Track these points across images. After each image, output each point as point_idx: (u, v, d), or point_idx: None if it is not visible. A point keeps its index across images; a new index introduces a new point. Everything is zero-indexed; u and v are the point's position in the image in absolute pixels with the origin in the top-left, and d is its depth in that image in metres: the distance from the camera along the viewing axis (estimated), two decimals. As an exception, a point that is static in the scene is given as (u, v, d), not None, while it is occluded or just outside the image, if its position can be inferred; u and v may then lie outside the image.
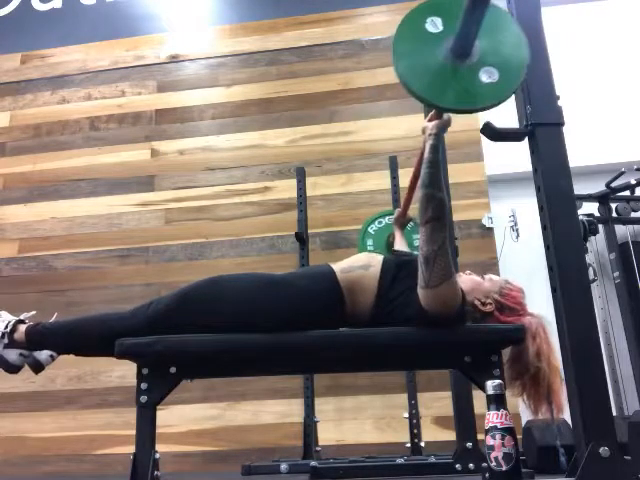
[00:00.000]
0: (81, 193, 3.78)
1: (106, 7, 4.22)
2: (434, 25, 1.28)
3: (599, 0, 3.92)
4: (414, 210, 1.66)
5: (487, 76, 1.23)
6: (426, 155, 1.39)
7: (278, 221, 3.51)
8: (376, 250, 2.63)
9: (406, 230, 2.32)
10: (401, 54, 1.26)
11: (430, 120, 1.48)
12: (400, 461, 2.23)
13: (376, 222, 2.71)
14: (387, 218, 2.68)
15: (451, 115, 1.43)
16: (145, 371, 1.36)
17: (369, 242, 2.67)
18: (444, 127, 1.44)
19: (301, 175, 3.28)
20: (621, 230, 3.37)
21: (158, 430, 1.34)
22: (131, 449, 1.30)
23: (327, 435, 3.02)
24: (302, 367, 1.75)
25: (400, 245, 2.11)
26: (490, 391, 1.22)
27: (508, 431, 1.18)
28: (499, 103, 1.24)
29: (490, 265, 3.16)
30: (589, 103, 3.57)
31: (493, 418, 1.19)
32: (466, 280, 1.55)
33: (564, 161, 1.44)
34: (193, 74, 3.95)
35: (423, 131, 1.48)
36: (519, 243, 3.27)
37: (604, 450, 1.22)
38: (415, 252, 1.91)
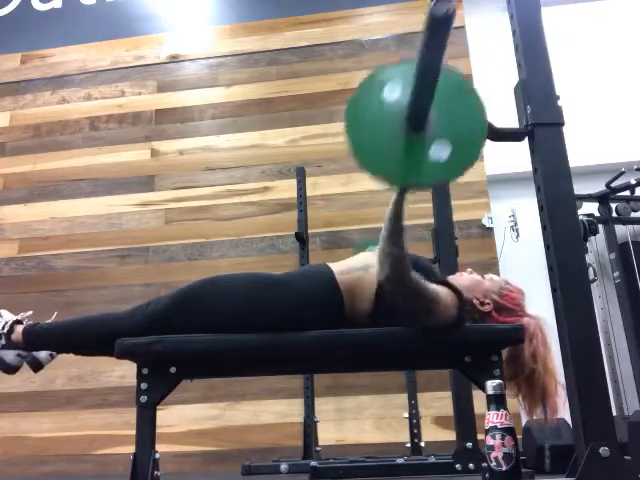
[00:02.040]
0: (81, 193, 3.78)
1: (106, 7, 4.22)
2: (392, 92, 1.18)
3: (599, 0, 3.92)
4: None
5: (438, 152, 1.14)
6: (387, 213, 1.28)
7: (278, 221, 3.51)
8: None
9: None
10: (354, 121, 1.17)
11: None
12: (400, 461, 2.23)
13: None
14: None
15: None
16: (145, 371, 1.36)
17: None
18: (403, 194, 1.29)
19: (301, 175, 3.28)
20: (621, 230, 3.37)
21: (158, 430, 1.34)
22: (131, 449, 1.30)
23: (327, 435, 3.02)
24: (302, 367, 1.74)
25: None
26: (490, 391, 1.21)
27: (508, 431, 1.18)
28: (449, 180, 1.19)
29: (490, 265, 3.16)
30: (589, 103, 3.57)
31: (493, 418, 1.19)
32: (466, 278, 1.55)
33: (564, 161, 1.44)
34: (193, 74, 3.95)
35: None
36: (519, 243, 3.27)
37: (604, 450, 1.22)
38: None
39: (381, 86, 1.19)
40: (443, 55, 1.04)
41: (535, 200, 1.46)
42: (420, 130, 1.15)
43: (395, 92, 1.18)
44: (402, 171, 1.17)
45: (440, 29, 0.98)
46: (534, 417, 1.49)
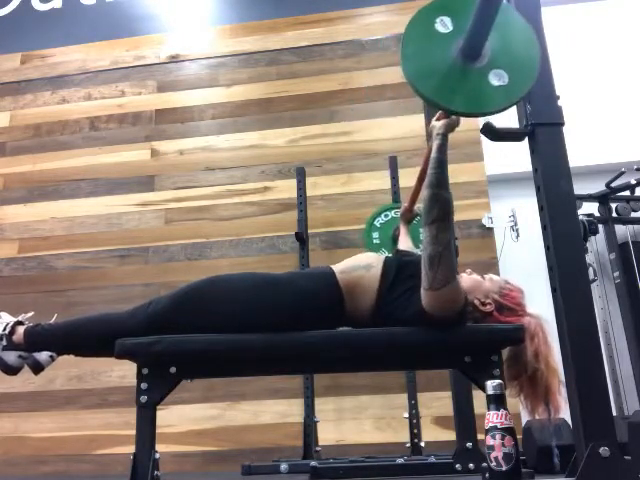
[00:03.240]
0: (81, 193, 3.78)
1: (106, 7, 4.22)
2: (444, 25, 1.25)
3: (599, 0, 3.92)
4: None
5: (497, 79, 1.20)
6: (433, 154, 1.38)
7: (278, 221, 3.51)
8: (382, 243, 2.63)
9: (412, 225, 2.30)
10: (409, 55, 1.23)
11: (438, 119, 1.48)
12: (400, 461, 2.23)
13: (382, 215, 2.71)
14: (393, 212, 2.68)
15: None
16: (145, 371, 1.36)
17: (375, 235, 2.67)
18: (452, 127, 1.42)
19: (301, 175, 3.28)
20: (621, 230, 3.37)
21: (158, 430, 1.34)
22: (131, 449, 1.30)
23: (327, 435, 3.02)
24: (302, 367, 1.75)
25: (404, 241, 2.09)
26: (490, 391, 1.22)
27: (508, 431, 1.18)
28: (509, 107, 1.22)
29: (490, 265, 3.16)
30: (589, 103, 3.57)
31: (493, 418, 1.19)
32: (466, 279, 1.55)
33: (564, 161, 1.44)
34: (193, 74, 3.95)
35: (430, 130, 1.47)
36: (519, 243, 3.27)
37: (604, 450, 1.22)
38: (418, 250, 1.91)
39: (429, 21, 1.26)
40: None
41: (535, 200, 1.47)
42: (475, 60, 1.20)
43: (445, 26, 1.25)
44: (463, 99, 1.21)
45: None
46: (537, 416, 1.48)
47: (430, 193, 1.35)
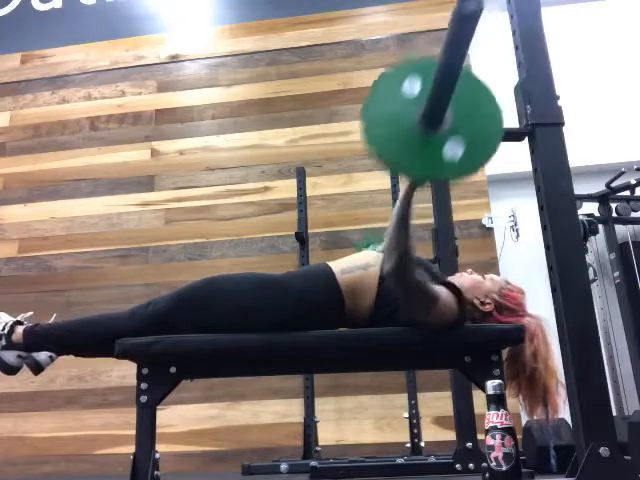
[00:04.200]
0: (81, 193, 3.78)
1: (106, 7, 4.22)
2: (411, 88, 1.19)
3: (599, 0, 3.92)
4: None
5: (453, 150, 1.15)
6: (395, 208, 1.30)
7: (278, 221, 3.51)
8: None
9: None
10: (371, 115, 1.18)
11: None
12: (400, 461, 2.23)
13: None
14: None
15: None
16: (145, 371, 1.36)
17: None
18: (412, 188, 1.29)
19: (301, 175, 3.28)
20: (621, 230, 3.36)
21: (158, 430, 1.34)
22: (131, 449, 1.30)
23: (327, 435, 3.02)
24: (302, 367, 1.74)
25: None
26: (490, 391, 1.22)
27: (508, 431, 1.18)
28: (464, 177, 1.18)
29: (490, 265, 3.16)
30: (589, 103, 3.57)
31: (493, 418, 1.19)
32: (467, 279, 1.55)
33: (564, 161, 1.44)
34: (193, 74, 3.95)
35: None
36: (519, 243, 3.27)
37: (604, 450, 1.22)
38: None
39: (400, 81, 1.20)
40: (466, 53, 1.04)
41: (535, 200, 1.46)
42: (436, 127, 1.16)
43: (414, 87, 1.19)
44: (416, 165, 1.18)
45: (466, 26, 0.98)
46: (535, 416, 1.49)
47: (387, 243, 1.31)
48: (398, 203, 1.28)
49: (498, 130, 1.21)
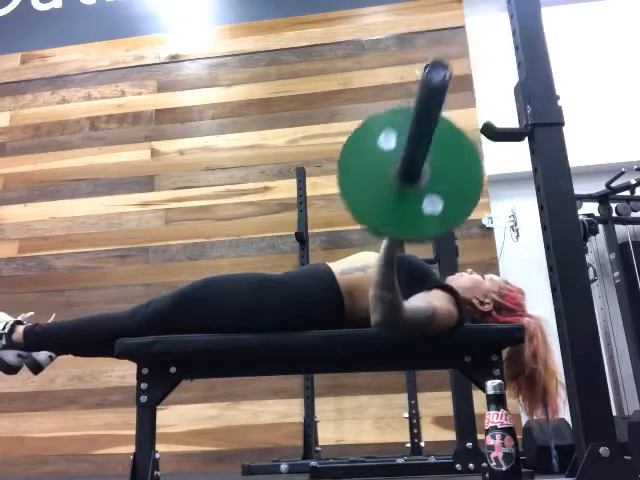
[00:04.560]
0: (81, 193, 3.78)
1: (106, 7, 4.22)
2: (387, 141, 1.15)
3: (599, 0, 3.92)
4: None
5: (431, 206, 1.10)
6: (377, 261, 1.27)
7: (278, 221, 3.51)
8: None
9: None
10: (346, 168, 1.16)
11: None
12: (400, 461, 2.23)
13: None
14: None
15: None
16: (145, 371, 1.36)
17: None
18: (394, 245, 1.27)
19: (301, 175, 3.27)
20: (621, 230, 3.36)
21: (158, 430, 1.34)
22: (131, 449, 1.30)
23: (327, 435, 3.02)
24: (302, 367, 1.74)
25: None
26: (490, 391, 1.22)
27: (508, 431, 1.18)
28: (441, 233, 1.17)
29: (490, 265, 3.16)
30: (589, 103, 3.57)
31: (493, 418, 1.19)
32: (467, 279, 1.55)
33: (564, 161, 1.44)
34: (193, 74, 3.95)
35: None
36: (519, 243, 3.27)
37: (604, 450, 1.22)
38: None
39: (374, 135, 1.16)
40: (437, 121, 1.01)
41: (535, 200, 1.46)
42: (413, 182, 1.11)
43: (389, 141, 1.15)
44: (393, 223, 1.12)
45: (435, 97, 0.95)
46: (534, 417, 1.49)
47: (372, 294, 1.28)
48: (380, 260, 1.24)
49: (479, 182, 1.16)
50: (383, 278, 1.24)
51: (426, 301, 1.34)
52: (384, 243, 1.24)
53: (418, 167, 1.10)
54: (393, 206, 1.12)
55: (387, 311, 1.26)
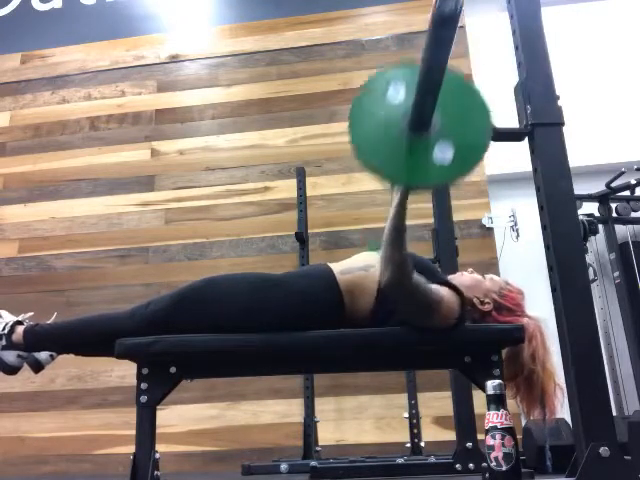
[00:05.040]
0: (81, 193, 3.78)
1: (106, 7, 4.22)
2: (396, 93, 1.19)
3: (599, 0, 3.92)
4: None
5: (442, 153, 1.14)
6: (389, 220, 1.28)
7: (278, 221, 3.51)
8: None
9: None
10: (357, 123, 1.18)
11: None
12: (400, 461, 2.23)
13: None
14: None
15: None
16: (145, 371, 1.36)
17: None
18: (406, 196, 1.28)
19: (301, 175, 3.27)
20: (621, 230, 3.36)
21: (158, 430, 1.34)
22: (131, 449, 1.30)
23: (327, 435, 3.02)
24: (302, 367, 1.74)
25: None
26: (490, 391, 1.21)
27: (508, 431, 1.18)
28: (454, 181, 1.18)
29: (490, 265, 3.16)
30: (589, 103, 3.57)
31: (493, 418, 1.19)
32: (467, 278, 1.55)
33: (564, 161, 1.44)
34: (193, 74, 3.95)
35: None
36: (519, 243, 3.27)
37: (604, 450, 1.22)
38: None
39: (384, 87, 1.20)
40: (449, 54, 1.03)
41: (535, 200, 1.46)
42: (423, 131, 1.15)
43: (399, 93, 1.18)
44: (405, 172, 1.17)
45: (446, 27, 0.97)
46: (532, 418, 1.49)
47: (382, 254, 1.30)
48: (391, 214, 1.26)
49: (487, 128, 1.20)
50: (394, 237, 1.27)
51: (435, 289, 1.36)
52: (395, 200, 1.26)
53: (428, 115, 1.14)
54: (405, 155, 1.16)
55: (397, 271, 1.28)
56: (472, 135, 1.18)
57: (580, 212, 3.11)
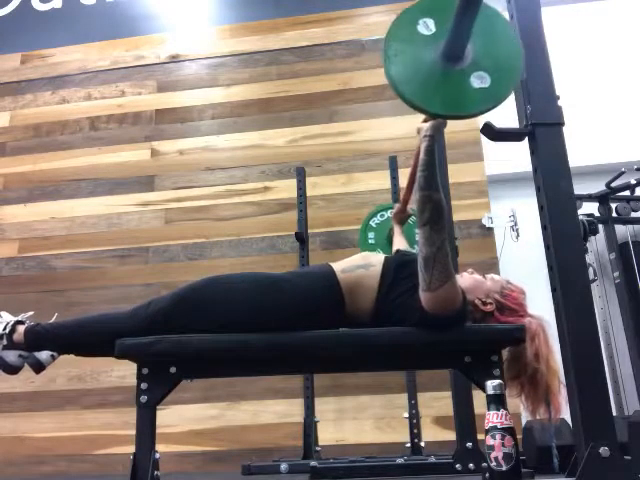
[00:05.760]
0: (81, 193, 3.78)
1: (106, 7, 4.22)
2: (426, 27, 1.24)
3: (599, 0, 3.92)
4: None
5: (479, 81, 1.19)
6: (421, 157, 1.37)
7: (278, 221, 3.51)
8: (377, 244, 2.63)
9: (407, 225, 2.30)
10: (391, 56, 1.22)
11: (425, 121, 1.47)
12: (400, 461, 2.23)
13: (378, 215, 2.71)
14: (389, 212, 2.67)
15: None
16: (145, 371, 1.36)
17: (370, 235, 2.67)
18: (438, 129, 1.41)
19: (301, 175, 3.27)
20: (621, 230, 3.36)
21: (158, 430, 1.34)
22: (131, 449, 1.30)
23: (327, 435, 3.02)
24: (302, 367, 1.74)
25: (399, 241, 2.10)
26: (490, 391, 1.21)
27: (508, 431, 1.18)
28: (490, 109, 1.21)
29: (490, 265, 3.16)
30: (589, 103, 3.57)
31: (493, 418, 1.19)
32: (468, 279, 1.55)
33: (564, 161, 1.44)
34: (193, 74, 3.95)
35: (418, 132, 1.47)
36: (519, 243, 3.27)
37: (604, 450, 1.22)
38: (414, 250, 1.91)
39: (416, 20, 1.25)
40: None
41: (535, 200, 1.46)
42: (457, 62, 1.20)
43: (427, 28, 1.24)
44: (440, 101, 1.21)
45: None
46: (537, 417, 1.48)
47: (420, 195, 1.34)
48: (422, 150, 1.35)
49: (519, 54, 1.25)
50: (431, 171, 1.33)
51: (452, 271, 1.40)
52: (424, 144, 1.36)
53: (463, 45, 1.19)
54: (441, 85, 1.21)
55: (436, 210, 1.33)
56: (505, 61, 1.24)
57: (580, 212, 3.11)
